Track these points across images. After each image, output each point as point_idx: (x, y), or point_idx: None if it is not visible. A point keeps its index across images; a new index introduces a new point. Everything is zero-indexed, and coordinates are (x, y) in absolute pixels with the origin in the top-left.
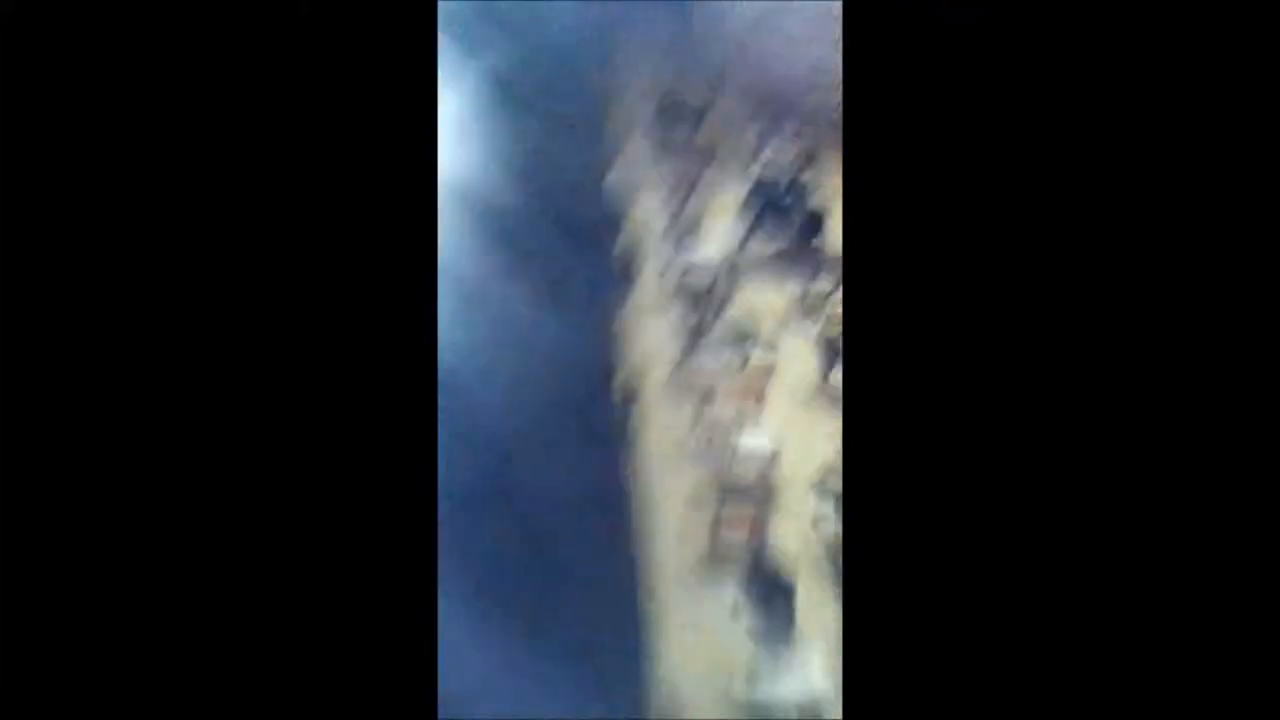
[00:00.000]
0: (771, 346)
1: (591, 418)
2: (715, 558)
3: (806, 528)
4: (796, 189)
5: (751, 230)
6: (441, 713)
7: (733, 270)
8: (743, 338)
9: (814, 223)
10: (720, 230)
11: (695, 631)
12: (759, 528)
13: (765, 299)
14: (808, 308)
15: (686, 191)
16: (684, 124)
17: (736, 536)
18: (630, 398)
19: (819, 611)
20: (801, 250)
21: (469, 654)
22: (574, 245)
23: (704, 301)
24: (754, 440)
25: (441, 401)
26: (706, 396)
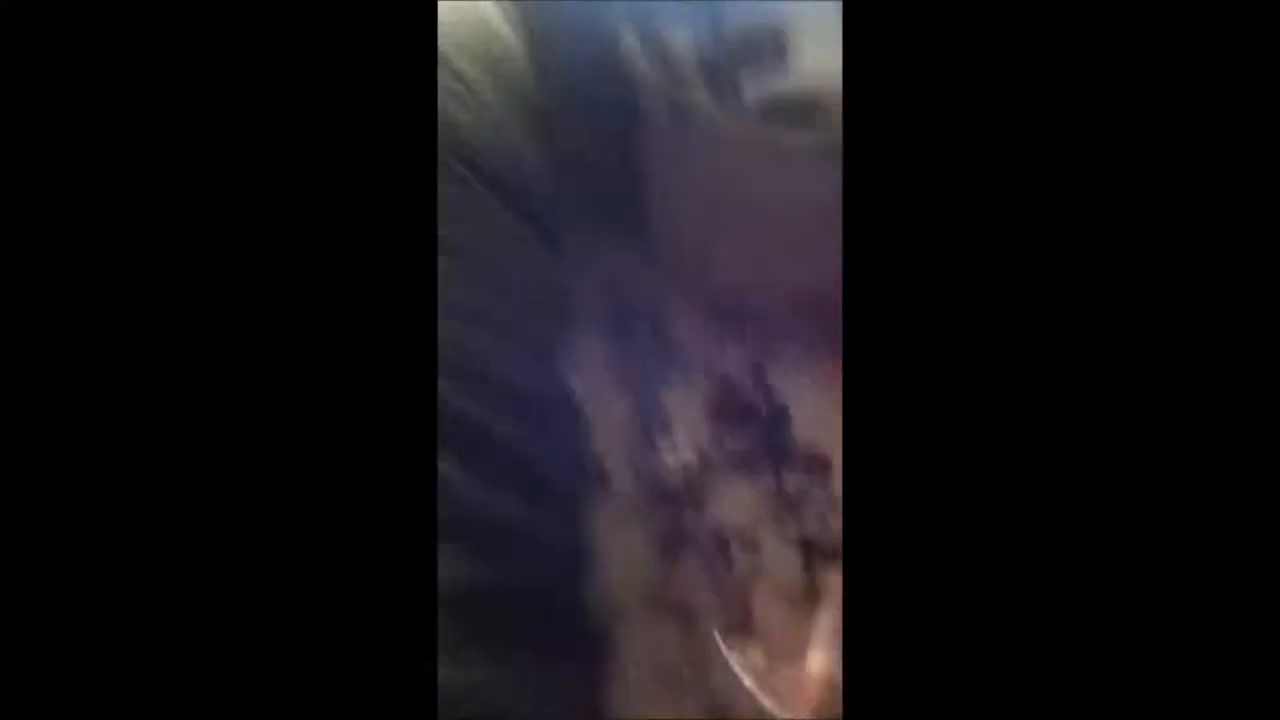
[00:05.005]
0: (753, 549)
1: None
2: None
3: None
4: (760, 385)
5: (718, 429)
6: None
7: (705, 472)
8: (722, 544)
9: (780, 419)
10: (688, 430)
11: None
12: None
13: (740, 501)
14: (784, 506)
15: (650, 390)
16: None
17: None
18: (612, 614)
19: None
20: (771, 448)
21: None
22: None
23: (678, 505)
24: (745, 658)
25: None
26: (689, 611)
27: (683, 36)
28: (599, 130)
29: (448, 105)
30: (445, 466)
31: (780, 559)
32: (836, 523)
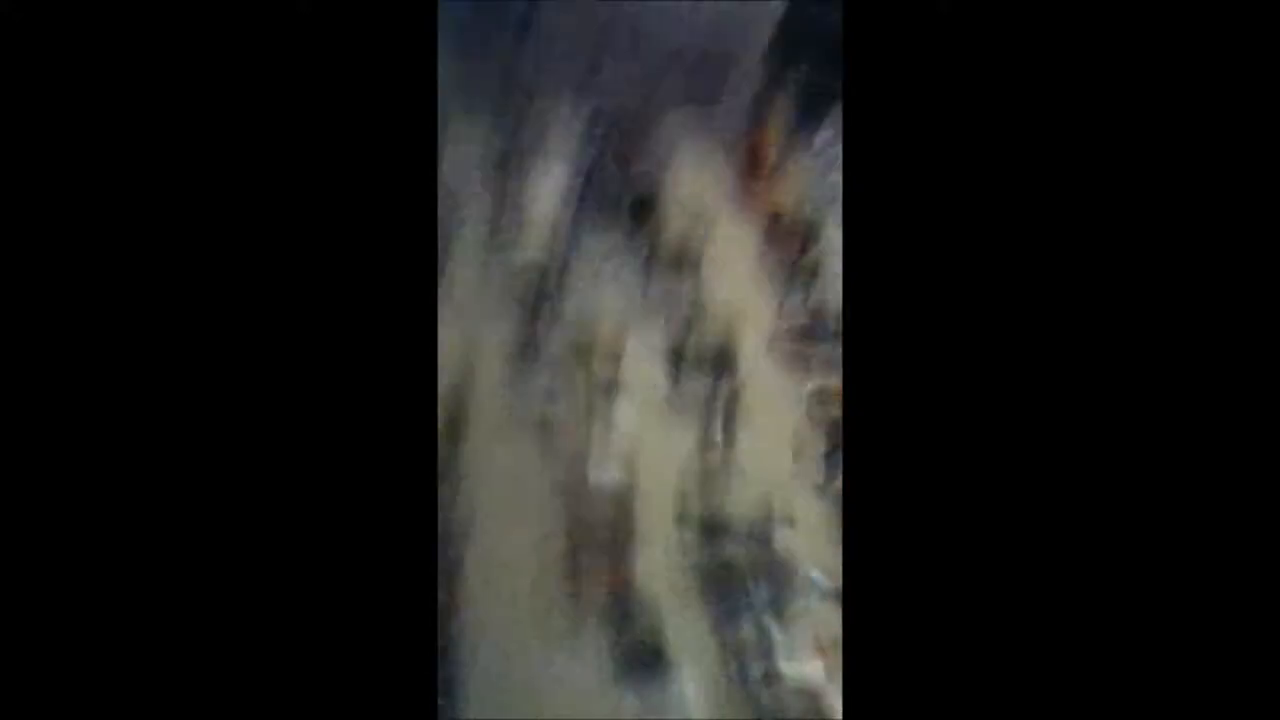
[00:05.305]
0: (614, 357)
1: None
2: (576, 616)
3: (674, 559)
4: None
5: (577, 222)
6: None
7: (562, 272)
8: (582, 350)
9: (644, 208)
10: (542, 225)
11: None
12: (621, 573)
13: (600, 303)
14: (648, 309)
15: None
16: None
17: (597, 589)
18: (457, 433)
19: (692, 647)
20: (633, 242)
21: None
22: None
23: (533, 310)
24: (605, 472)
25: None
26: (546, 424)
27: None
28: None
29: None
30: None
31: (643, 367)
32: (703, 326)
